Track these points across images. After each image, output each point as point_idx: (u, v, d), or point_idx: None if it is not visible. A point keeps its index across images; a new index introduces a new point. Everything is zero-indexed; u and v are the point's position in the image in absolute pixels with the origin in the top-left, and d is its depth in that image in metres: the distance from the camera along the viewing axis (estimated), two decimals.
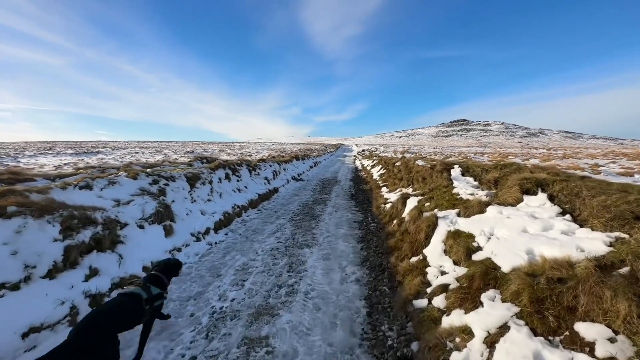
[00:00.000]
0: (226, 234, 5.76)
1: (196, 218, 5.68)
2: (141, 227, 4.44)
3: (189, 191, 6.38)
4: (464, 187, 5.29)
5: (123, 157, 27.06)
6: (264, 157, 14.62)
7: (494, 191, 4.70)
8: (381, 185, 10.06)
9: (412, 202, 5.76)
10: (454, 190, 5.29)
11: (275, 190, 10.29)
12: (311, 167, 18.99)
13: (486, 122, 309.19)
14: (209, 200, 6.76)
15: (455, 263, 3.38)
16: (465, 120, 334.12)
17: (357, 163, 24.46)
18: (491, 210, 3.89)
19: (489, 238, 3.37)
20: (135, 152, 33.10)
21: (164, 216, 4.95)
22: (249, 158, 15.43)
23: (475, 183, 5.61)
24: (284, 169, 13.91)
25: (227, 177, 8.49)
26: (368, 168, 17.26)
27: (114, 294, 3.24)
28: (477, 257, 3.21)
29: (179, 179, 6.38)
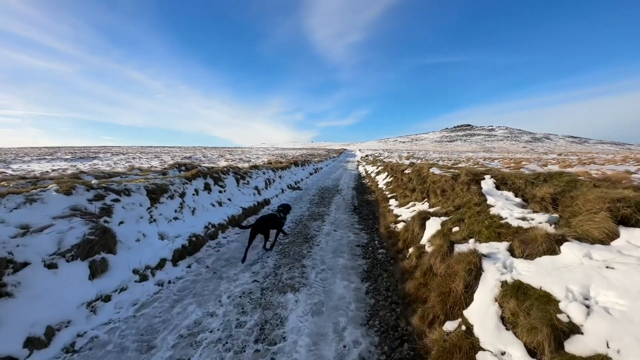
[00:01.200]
0: (189, 267, 4.40)
1: (149, 245, 4.33)
2: (52, 266, 3.10)
3: (149, 208, 5.05)
4: (505, 207, 3.89)
5: (118, 162, 26.06)
6: (258, 164, 13.34)
7: (556, 215, 3.30)
8: (388, 196, 8.66)
9: (433, 225, 4.37)
10: (492, 211, 3.89)
11: (266, 202, 8.93)
12: (311, 174, 17.68)
13: (490, 127, 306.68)
14: (175, 219, 5.42)
15: (532, 351, 1.98)
16: (469, 125, 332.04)
17: (361, 169, 23.10)
18: (570, 249, 2.49)
19: (588, 307, 1.97)
20: (133, 158, 32.16)
21: (96, 247, 3.61)
22: (241, 165, 14.18)
23: (518, 200, 4.21)
24: (280, 177, 12.58)
25: (206, 187, 7.17)
26: (372, 175, 15.88)
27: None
28: (575, 348, 1.81)
29: (136, 193, 5.06)
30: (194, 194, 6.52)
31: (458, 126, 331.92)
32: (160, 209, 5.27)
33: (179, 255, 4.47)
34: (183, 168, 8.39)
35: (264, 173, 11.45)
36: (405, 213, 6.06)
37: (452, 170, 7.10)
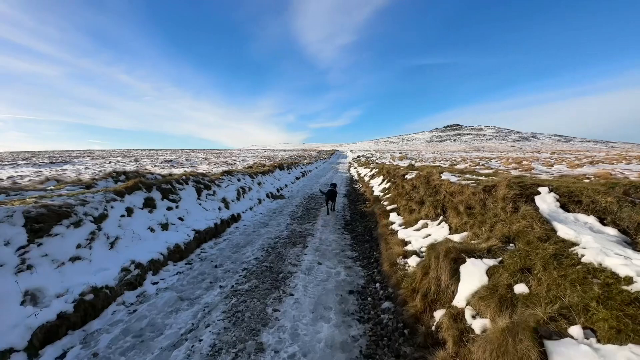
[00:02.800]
0: (61, 356, 2.56)
1: None
2: None
3: (22, 248, 3.19)
4: (605, 247, 2.23)
5: (90, 167, 23.70)
6: (233, 169, 11.48)
7: None
8: (388, 207, 6.97)
9: (474, 273, 2.67)
10: (583, 255, 2.22)
11: (235, 218, 7.10)
12: (297, 179, 15.90)
13: (479, 127, 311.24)
14: (75, 259, 3.56)
15: None
16: (458, 125, 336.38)
17: (353, 171, 21.47)
18: None
19: None
20: (110, 162, 29.73)
21: None
22: (221, 169, 12.22)
23: (612, 232, 2.57)
24: (259, 183, 10.75)
25: (147, 204, 5.31)
26: (366, 179, 14.21)
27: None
28: None
29: (4, 224, 3.20)
30: (123, 216, 4.65)
31: (448, 126, 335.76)
32: (47, 245, 3.40)
33: (43, 338, 2.61)
34: (123, 177, 6.48)
35: (238, 180, 9.62)
36: (416, 239, 4.35)
37: (469, 175, 5.46)
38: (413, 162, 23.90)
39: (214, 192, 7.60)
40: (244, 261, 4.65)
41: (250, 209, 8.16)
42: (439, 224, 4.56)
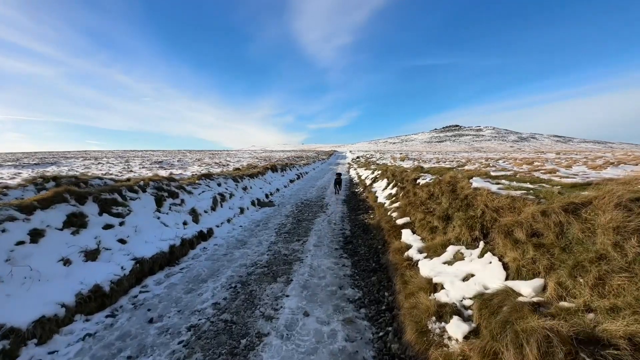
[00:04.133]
0: None
1: None
2: None
3: None
4: None
5: (74, 169, 22.22)
6: (214, 172, 10.02)
7: None
8: (398, 222, 5.50)
9: None
10: None
11: (204, 235, 5.60)
12: (292, 182, 14.41)
13: (478, 127, 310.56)
14: None
15: None
16: (457, 125, 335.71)
17: (352, 173, 20.00)
18: None
19: None
20: (99, 163, 28.21)
21: None
22: (212, 170, 10.72)
23: None
24: (245, 188, 9.28)
25: (72, 222, 3.83)
26: (367, 182, 12.74)
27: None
28: None
29: None
30: (22, 243, 3.18)
31: (447, 127, 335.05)
32: None
33: None
34: (52, 184, 4.98)
35: (219, 185, 8.14)
36: (452, 281, 2.89)
37: (507, 182, 4.02)
38: (417, 162, 22.48)
39: (182, 201, 6.12)
40: (197, 310, 3.17)
41: (229, 221, 6.67)
42: (481, 255, 3.10)
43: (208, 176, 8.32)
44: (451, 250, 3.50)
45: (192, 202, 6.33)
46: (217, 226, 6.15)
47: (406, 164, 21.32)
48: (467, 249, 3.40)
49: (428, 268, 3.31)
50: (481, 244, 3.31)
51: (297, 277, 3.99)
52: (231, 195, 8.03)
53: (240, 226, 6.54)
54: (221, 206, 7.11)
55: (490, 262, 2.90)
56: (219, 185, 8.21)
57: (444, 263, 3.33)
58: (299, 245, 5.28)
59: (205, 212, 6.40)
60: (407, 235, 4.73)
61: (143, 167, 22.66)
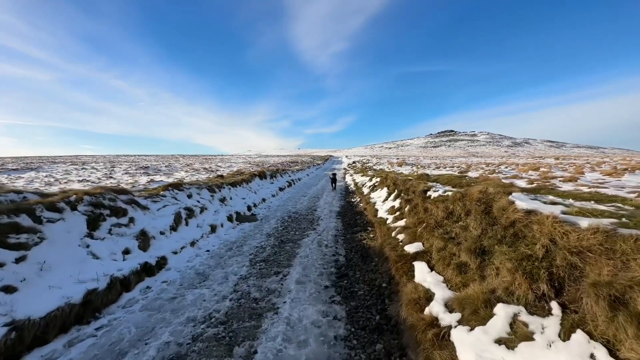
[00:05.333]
0: None
1: None
2: None
3: None
4: None
5: (51, 175, 20.66)
6: (185, 181, 8.69)
7: None
8: (408, 249, 4.22)
9: None
10: None
11: (151, 268, 4.23)
12: (281, 189, 13.07)
13: (473, 133, 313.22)
14: None
15: None
16: (452, 131, 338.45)
17: (348, 179, 18.74)
18: None
19: None
20: (82, 169, 26.62)
21: None
22: (197, 177, 9.30)
23: None
24: (223, 199, 7.93)
25: None
26: (364, 190, 11.47)
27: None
28: None
29: None
30: None
31: (442, 132, 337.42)
32: None
33: None
34: None
35: (189, 196, 6.80)
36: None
37: (577, 202, 2.78)
38: (416, 168, 21.31)
39: (131, 220, 4.77)
40: None
41: (193, 244, 5.31)
42: (565, 334, 1.82)
43: (176, 186, 6.97)
44: (503, 313, 2.21)
45: (145, 221, 4.97)
46: (175, 252, 4.79)
47: (405, 170, 20.15)
48: (532, 313, 2.12)
49: (472, 353, 2.01)
50: (555, 307, 2.04)
51: (264, 344, 2.66)
52: (203, 209, 6.68)
53: (207, 251, 5.18)
54: (186, 224, 5.76)
55: (593, 357, 1.62)
56: (190, 196, 6.86)
57: (497, 342, 2.03)
58: (277, 283, 3.95)
59: (162, 233, 5.04)
60: (422, 272, 3.44)
61: (126, 173, 21.15)
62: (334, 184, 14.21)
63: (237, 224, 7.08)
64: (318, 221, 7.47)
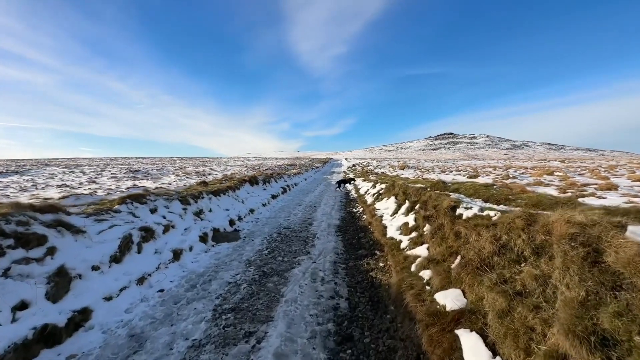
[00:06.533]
0: None
1: None
2: None
3: None
4: None
5: (32, 179, 19.34)
6: (145, 193, 7.29)
7: None
8: (440, 299, 2.88)
9: None
10: None
11: (58, 333, 2.84)
12: (274, 197, 11.69)
13: (472, 135, 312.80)
14: None
15: None
16: (451, 133, 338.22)
17: (349, 184, 17.34)
18: None
19: None
20: (70, 172, 25.26)
21: None
22: (158, 184, 7.79)
23: None
24: (198, 213, 6.57)
25: None
26: (368, 199, 10.10)
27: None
28: None
29: None
30: None
31: (441, 134, 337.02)
32: None
33: None
34: None
35: (152, 211, 5.44)
36: None
37: None
38: (418, 171, 19.95)
39: (49, 251, 3.39)
40: None
41: (141, 280, 3.92)
42: None
43: (138, 198, 5.59)
44: None
45: (72, 252, 3.59)
46: (109, 298, 3.40)
47: (408, 174, 18.79)
48: None
49: None
50: None
51: None
52: (168, 227, 5.30)
53: (160, 291, 3.80)
54: (138, 251, 4.37)
55: None
56: (153, 211, 5.48)
57: None
58: (246, 356, 2.58)
59: (96, 268, 3.65)
60: (477, 356, 2.08)
61: (113, 177, 19.74)
62: (341, 186, 15.40)
63: (213, 245, 5.70)
64: (313, 240, 6.10)
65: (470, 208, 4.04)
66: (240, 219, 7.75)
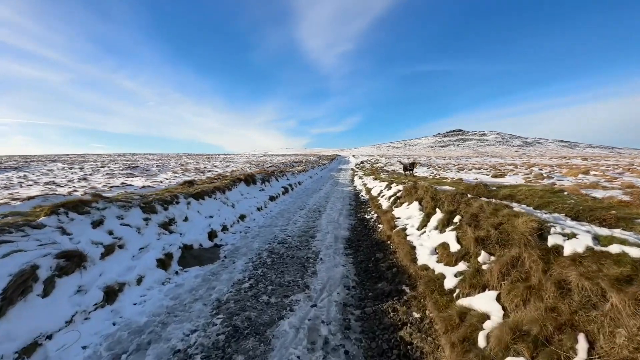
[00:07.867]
0: None
1: None
2: None
3: None
4: None
5: (26, 176, 18.38)
6: (94, 196, 5.82)
7: None
8: None
9: None
10: None
11: None
12: (273, 199, 10.15)
13: (482, 132, 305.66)
14: None
15: None
16: (461, 130, 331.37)
17: (357, 183, 15.69)
18: None
19: None
20: (70, 168, 24.37)
21: None
22: (135, 183, 6.26)
23: None
24: (166, 224, 5.07)
25: None
26: (383, 203, 8.45)
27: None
28: None
29: None
30: None
31: (450, 131, 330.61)
32: None
33: None
34: None
35: (95, 225, 3.97)
36: None
37: None
38: (432, 169, 18.15)
39: None
40: None
41: (26, 352, 2.43)
42: None
43: (76, 207, 4.10)
44: None
45: None
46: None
47: (421, 171, 16.98)
48: None
49: None
50: None
51: None
52: (110, 249, 3.80)
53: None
54: (44, 294, 2.86)
55: None
56: (97, 224, 3.99)
57: None
58: None
59: None
60: None
61: (108, 174, 18.52)
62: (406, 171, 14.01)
63: (177, 272, 4.17)
64: (315, 263, 4.52)
65: (573, 236, 2.40)
66: (225, 229, 6.23)
